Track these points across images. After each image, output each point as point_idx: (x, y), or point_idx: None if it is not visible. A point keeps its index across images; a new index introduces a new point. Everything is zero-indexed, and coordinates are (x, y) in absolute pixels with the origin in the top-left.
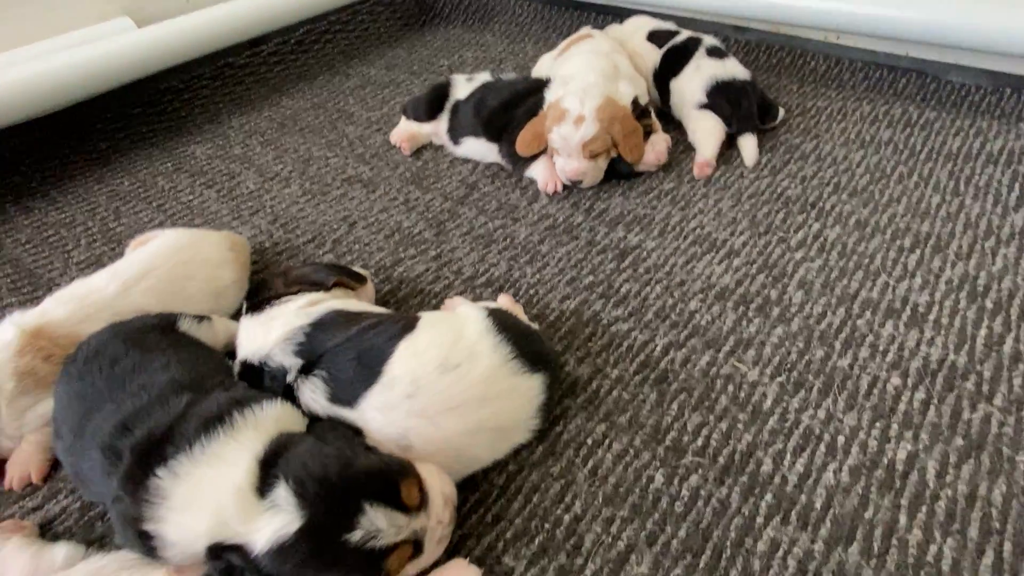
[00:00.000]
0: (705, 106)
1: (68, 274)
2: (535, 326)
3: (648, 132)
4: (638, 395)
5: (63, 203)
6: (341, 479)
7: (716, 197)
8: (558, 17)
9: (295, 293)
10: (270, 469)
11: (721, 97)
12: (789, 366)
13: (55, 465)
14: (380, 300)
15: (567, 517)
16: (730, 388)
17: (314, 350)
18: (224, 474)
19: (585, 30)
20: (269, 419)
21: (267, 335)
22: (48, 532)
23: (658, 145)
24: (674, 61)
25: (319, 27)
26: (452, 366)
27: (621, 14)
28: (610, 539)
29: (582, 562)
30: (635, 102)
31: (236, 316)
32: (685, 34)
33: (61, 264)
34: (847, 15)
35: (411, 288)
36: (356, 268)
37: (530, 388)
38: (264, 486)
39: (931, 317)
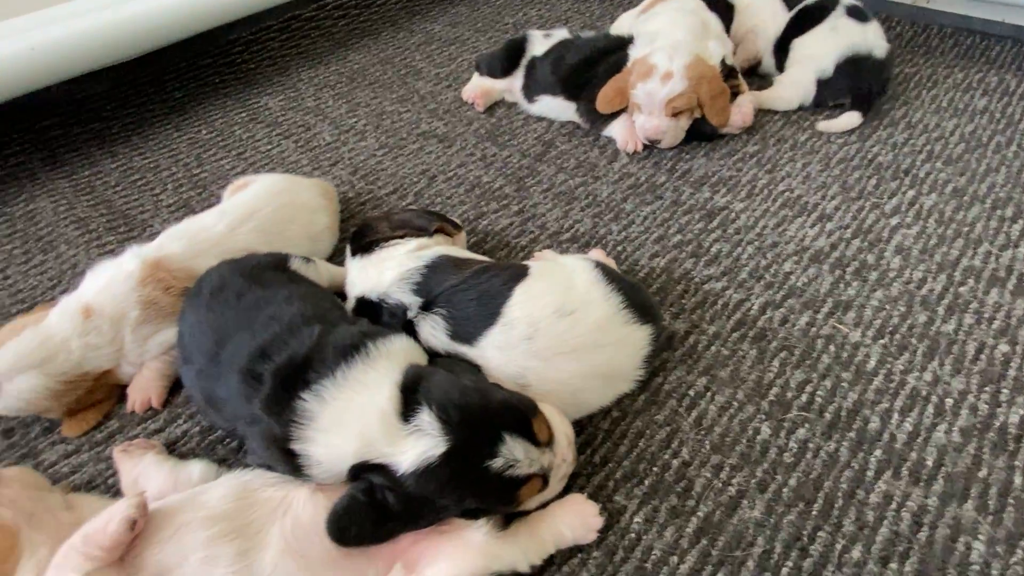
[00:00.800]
0: (827, 82)
1: (159, 216)
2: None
3: (735, 93)
4: (737, 351)
5: (145, 149)
6: (482, 409)
7: (803, 161)
8: None
9: (401, 237)
10: (411, 395)
11: (847, 76)
12: (891, 329)
13: (173, 391)
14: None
15: (675, 462)
16: (832, 348)
17: (431, 289)
18: (368, 399)
19: None
20: (399, 351)
21: (381, 275)
22: (172, 454)
23: (744, 107)
24: (805, 20)
25: None
26: (568, 312)
27: None
28: (720, 484)
29: (693, 504)
30: (723, 62)
31: (330, 261)
32: None
33: (152, 207)
34: None
35: (497, 241)
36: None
37: (639, 339)
38: (407, 411)
39: None
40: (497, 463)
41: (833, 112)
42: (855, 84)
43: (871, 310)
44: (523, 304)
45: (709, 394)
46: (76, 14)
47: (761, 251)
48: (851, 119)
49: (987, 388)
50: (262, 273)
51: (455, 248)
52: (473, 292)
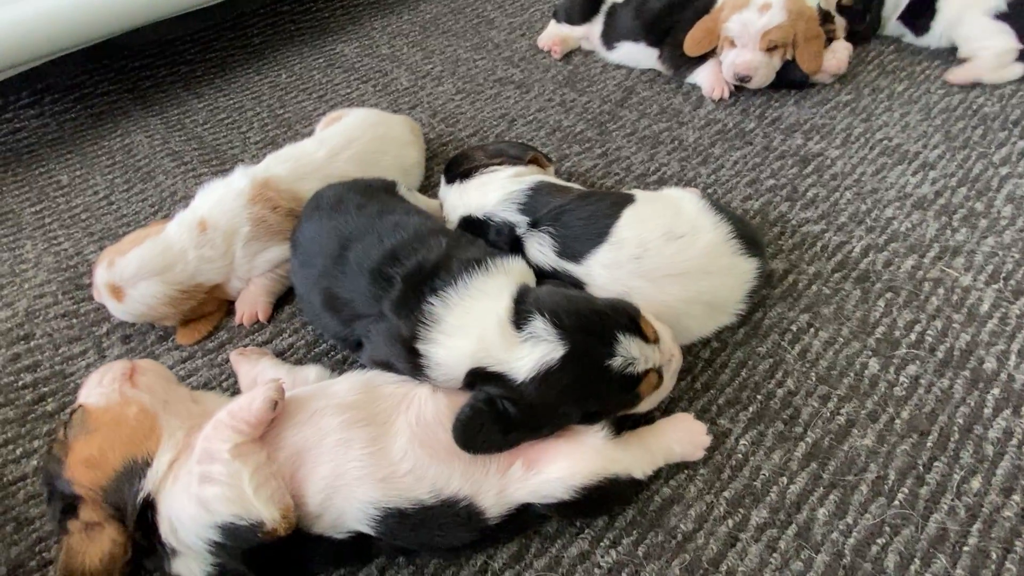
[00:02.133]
0: (1003, 16)
1: (248, 151)
2: None
3: (830, 39)
4: (840, 291)
5: (229, 91)
6: (593, 312)
7: (902, 111)
8: None
9: (498, 164)
10: (522, 306)
11: (1022, 9)
12: (1005, 275)
13: (277, 307)
14: None
15: (780, 391)
16: (940, 291)
17: (537, 209)
18: (488, 307)
19: None
20: (515, 270)
21: (485, 196)
22: None
23: (840, 53)
24: None
25: None
26: (677, 236)
27: None
28: (828, 413)
29: (801, 431)
30: (818, 6)
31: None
32: None
33: (240, 143)
34: None
35: (582, 181)
36: None
37: (746, 271)
38: (520, 320)
39: None
40: (616, 362)
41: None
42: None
43: (982, 256)
44: (632, 225)
45: (812, 330)
46: None
47: (860, 196)
48: (1019, 69)
49: None
50: (376, 192)
51: (552, 176)
52: (582, 212)
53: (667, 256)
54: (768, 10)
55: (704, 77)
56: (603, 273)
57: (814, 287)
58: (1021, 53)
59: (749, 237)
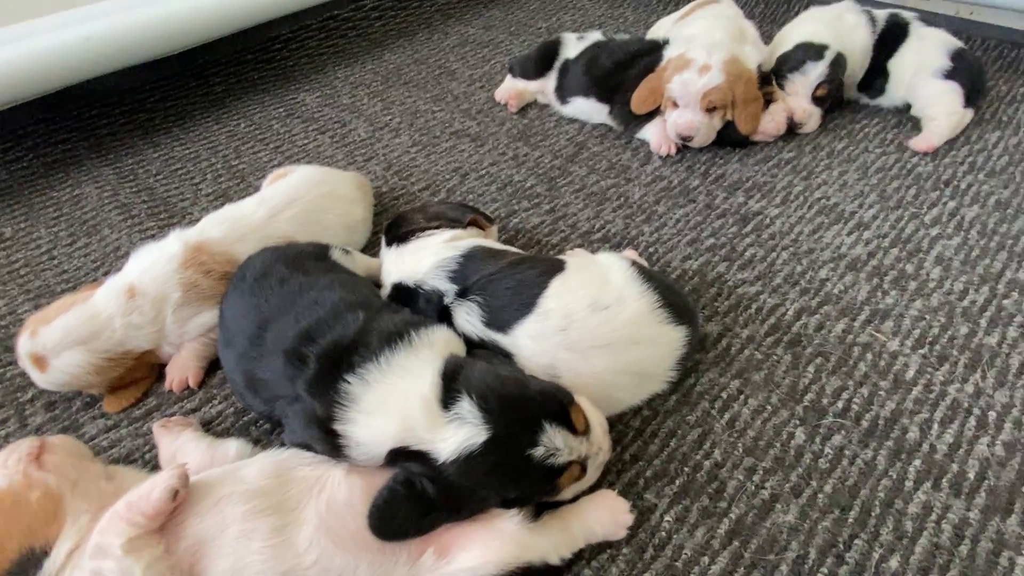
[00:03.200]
0: (949, 74)
1: (199, 204)
2: None
3: (769, 101)
4: (771, 355)
5: (186, 140)
6: (522, 397)
7: (840, 169)
8: None
9: (436, 228)
10: (452, 384)
11: (964, 64)
12: (931, 339)
13: (209, 372)
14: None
15: (707, 463)
16: (869, 356)
17: (467, 277)
18: (411, 385)
19: None
20: (440, 340)
21: (418, 263)
22: (207, 433)
23: (777, 115)
24: (892, 39)
25: None
26: (602, 306)
27: None
28: (753, 487)
29: (725, 506)
30: (758, 69)
31: (363, 253)
32: (883, 11)
33: (191, 195)
34: None
35: (528, 238)
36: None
37: (674, 339)
38: (448, 399)
39: None
40: (538, 451)
41: (907, 131)
42: (972, 78)
43: (910, 320)
44: (559, 296)
45: (742, 397)
46: (129, 7)
47: (796, 257)
48: (967, 117)
49: None
50: (304, 261)
51: (489, 240)
52: (509, 281)
53: (592, 327)
54: (708, 72)
55: (652, 134)
56: (530, 344)
57: (746, 352)
58: (968, 98)
59: (677, 305)
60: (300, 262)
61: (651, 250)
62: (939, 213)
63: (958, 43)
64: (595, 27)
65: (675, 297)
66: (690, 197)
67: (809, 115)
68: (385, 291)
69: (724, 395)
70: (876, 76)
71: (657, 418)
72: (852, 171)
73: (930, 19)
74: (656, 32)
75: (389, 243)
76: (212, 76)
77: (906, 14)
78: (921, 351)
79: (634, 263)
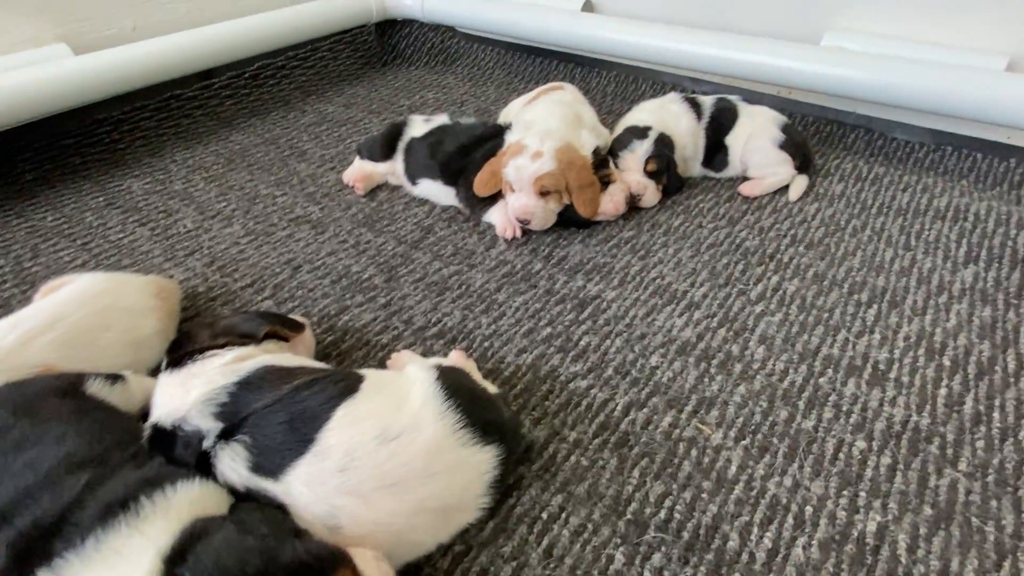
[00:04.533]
0: (779, 143)
1: None
2: (491, 387)
3: (607, 182)
4: (597, 461)
5: None
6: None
7: (676, 247)
8: (520, 63)
9: (222, 346)
10: (175, 568)
11: (791, 133)
12: (753, 428)
13: None
14: (320, 353)
15: None
16: (693, 453)
17: (238, 412)
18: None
19: (558, 83)
20: (184, 502)
21: (185, 395)
22: None
23: (616, 196)
24: (725, 120)
25: (276, 62)
26: (392, 436)
27: (584, 63)
28: None
29: None
30: (596, 151)
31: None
32: (711, 97)
33: None
34: (798, 72)
35: (356, 339)
36: (294, 316)
37: (481, 462)
38: None
39: (892, 375)
40: None
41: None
42: (799, 146)
43: (734, 407)
44: (342, 428)
45: (564, 515)
46: None
47: (629, 344)
48: (803, 181)
49: (845, 492)
50: (40, 401)
51: (286, 356)
52: (284, 414)
53: (378, 464)
54: (539, 158)
55: (497, 217)
56: (304, 492)
57: (572, 458)
58: (801, 165)
59: (486, 422)
60: (33, 403)
61: (486, 344)
62: (764, 288)
63: (784, 117)
64: (457, 104)
65: (485, 412)
66: (531, 282)
67: (644, 187)
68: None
69: (545, 515)
70: (717, 152)
71: (470, 553)
72: (686, 248)
73: (754, 98)
74: (506, 114)
75: (165, 367)
76: (23, 163)
77: (731, 97)
78: (744, 442)
79: (442, 373)
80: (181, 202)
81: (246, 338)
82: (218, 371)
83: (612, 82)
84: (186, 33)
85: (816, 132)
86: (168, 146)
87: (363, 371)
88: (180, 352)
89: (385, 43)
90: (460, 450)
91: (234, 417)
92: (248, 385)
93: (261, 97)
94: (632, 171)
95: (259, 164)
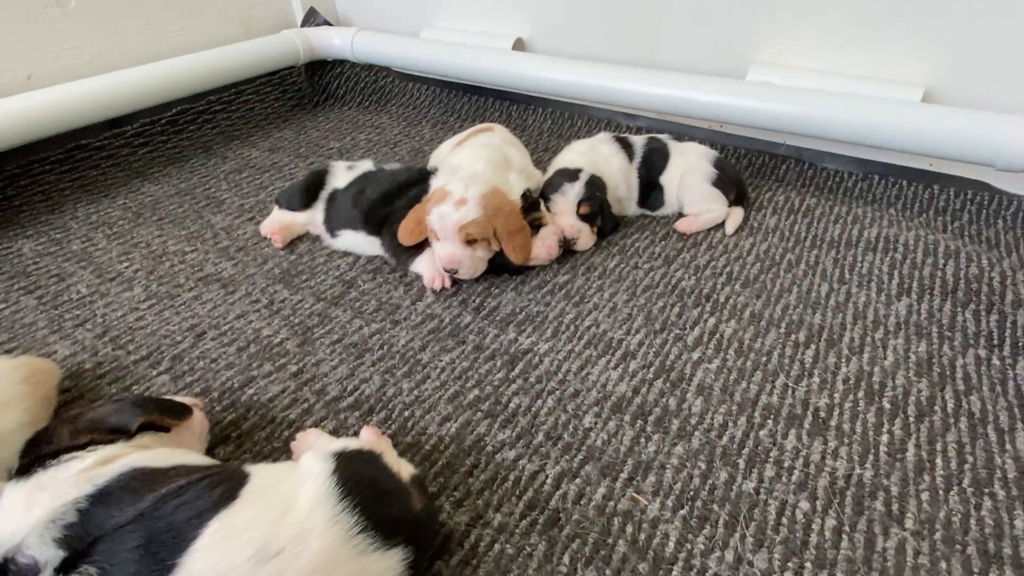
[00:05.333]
0: (711, 178)
1: None
2: (407, 468)
3: (538, 225)
4: (524, 548)
5: None
6: None
7: (611, 290)
8: (456, 100)
9: (84, 446)
10: None
11: (723, 167)
12: (692, 494)
13: None
14: (218, 435)
15: None
16: (629, 529)
17: (88, 534)
18: None
19: (487, 124)
20: None
21: (27, 514)
22: None
23: (548, 239)
24: (657, 159)
25: (196, 107)
26: (273, 552)
27: (519, 100)
28: None
29: None
30: (526, 194)
31: None
32: (641, 137)
33: None
34: (726, 107)
35: (260, 416)
36: (180, 398)
37: (384, 571)
38: None
39: (832, 423)
40: None
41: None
42: (732, 181)
43: (671, 471)
44: (212, 548)
45: None
46: None
47: (561, 403)
48: (739, 213)
49: (790, 563)
50: None
51: (162, 452)
52: (141, 535)
53: None
54: (464, 205)
55: (424, 267)
56: None
57: (497, 546)
58: (736, 198)
59: (390, 521)
60: None
61: (407, 413)
62: (700, 332)
63: (715, 152)
64: (390, 145)
65: (390, 508)
66: (460, 338)
67: (578, 231)
68: None
69: None
70: (651, 191)
71: None
72: (622, 291)
73: (688, 132)
74: (436, 157)
75: (13, 476)
76: None
77: (662, 137)
78: (682, 511)
79: (340, 462)
80: (77, 264)
81: (116, 433)
82: (72, 480)
83: (548, 118)
84: (92, 80)
85: (749, 164)
86: (70, 201)
87: (250, 467)
88: (32, 457)
89: (316, 83)
90: (358, 559)
91: (81, 542)
92: (105, 497)
93: (179, 144)
94: (565, 215)
95: (171, 217)
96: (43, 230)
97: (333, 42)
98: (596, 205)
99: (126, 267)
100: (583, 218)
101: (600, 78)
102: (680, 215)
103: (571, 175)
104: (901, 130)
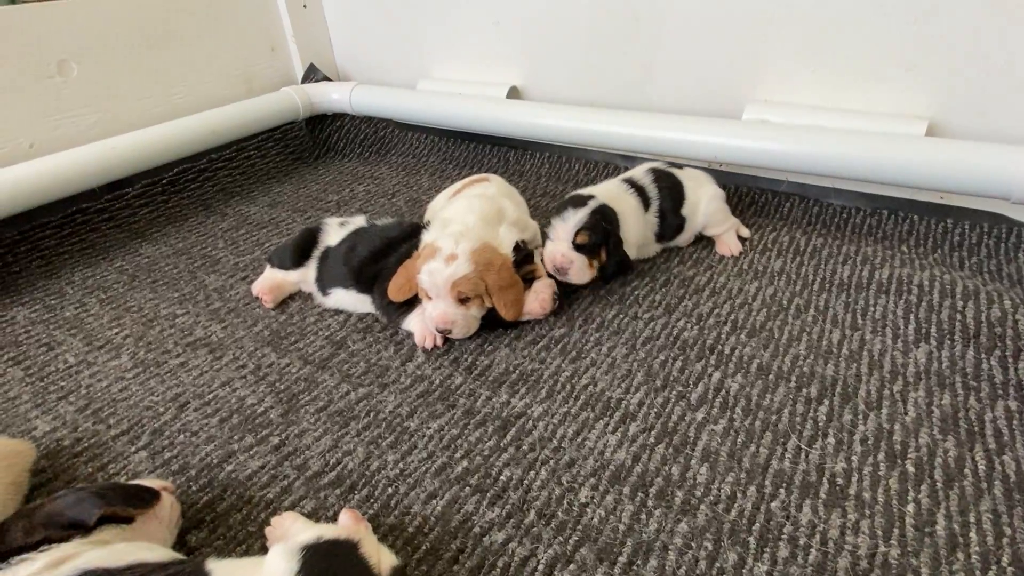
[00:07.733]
0: (725, 199)
1: None
2: (386, 561)
3: (532, 279)
4: None
5: None
6: None
7: (610, 344)
8: (454, 149)
9: (36, 545)
10: None
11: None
12: None
13: None
14: (192, 518)
15: None
16: None
17: None
18: None
19: (483, 175)
20: None
21: None
22: None
23: (542, 293)
24: (675, 191)
25: (198, 165)
26: None
27: (516, 146)
28: None
29: None
30: (518, 246)
31: None
32: (646, 174)
33: None
34: (724, 147)
35: (237, 497)
36: (149, 481)
37: None
38: None
39: (852, 491)
40: None
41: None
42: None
43: (675, 553)
44: None
45: None
46: None
47: (556, 474)
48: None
49: None
50: None
51: (121, 548)
52: None
53: None
54: (454, 261)
55: (415, 324)
56: None
57: None
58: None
59: None
60: None
61: (390, 490)
62: (705, 389)
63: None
64: (388, 196)
65: None
66: (450, 401)
67: (570, 261)
68: None
69: None
70: (672, 224)
71: None
72: (621, 345)
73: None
74: (431, 210)
75: None
76: None
77: (658, 165)
78: None
79: (307, 561)
80: (68, 332)
81: (74, 528)
82: None
83: (546, 163)
84: (94, 145)
85: (752, 202)
86: (68, 266)
87: (211, 564)
88: None
89: (317, 137)
90: None
91: None
92: None
93: (179, 203)
94: (559, 241)
95: (165, 279)
96: (38, 296)
97: (332, 96)
98: (599, 236)
99: (115, 333)
100: (579, 248)
101: (594, 122)
102: (701, 237)
103: (580, 200)
104: (908, 165)
